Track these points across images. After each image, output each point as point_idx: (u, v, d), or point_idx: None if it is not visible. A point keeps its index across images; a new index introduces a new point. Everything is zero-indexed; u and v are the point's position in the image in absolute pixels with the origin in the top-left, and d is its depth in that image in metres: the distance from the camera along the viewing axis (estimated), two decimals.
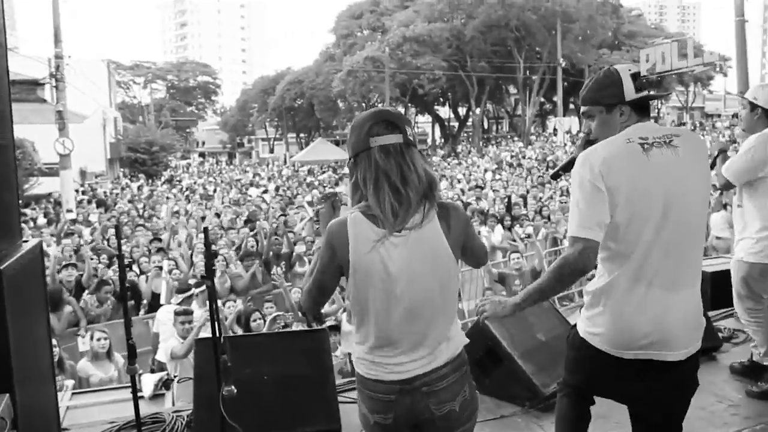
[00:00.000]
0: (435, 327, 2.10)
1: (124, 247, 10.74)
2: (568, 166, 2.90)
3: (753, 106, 3.88)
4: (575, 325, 2.59)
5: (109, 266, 8.56)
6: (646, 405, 2.47)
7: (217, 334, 3.01)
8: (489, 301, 2.47)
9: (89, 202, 18.66)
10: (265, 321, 6.32)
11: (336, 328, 6.28)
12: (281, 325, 6.00)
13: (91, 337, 6.01)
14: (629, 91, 2.39)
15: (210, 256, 3.03)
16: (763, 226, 3.78)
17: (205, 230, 3.10)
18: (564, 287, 2.28)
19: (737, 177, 3.84)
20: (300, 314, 6.66)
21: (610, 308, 2.36)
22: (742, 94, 17.64)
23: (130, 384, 4.60)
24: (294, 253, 8.92)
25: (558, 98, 45.89)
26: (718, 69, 59.49)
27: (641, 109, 2.42)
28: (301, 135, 63.10)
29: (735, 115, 34.03)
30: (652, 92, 2.55)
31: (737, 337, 5.12)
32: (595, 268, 2.44)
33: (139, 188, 25.89)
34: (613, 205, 2.24)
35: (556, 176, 3.34)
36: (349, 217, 2.05)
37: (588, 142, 2.49)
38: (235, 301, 6.91)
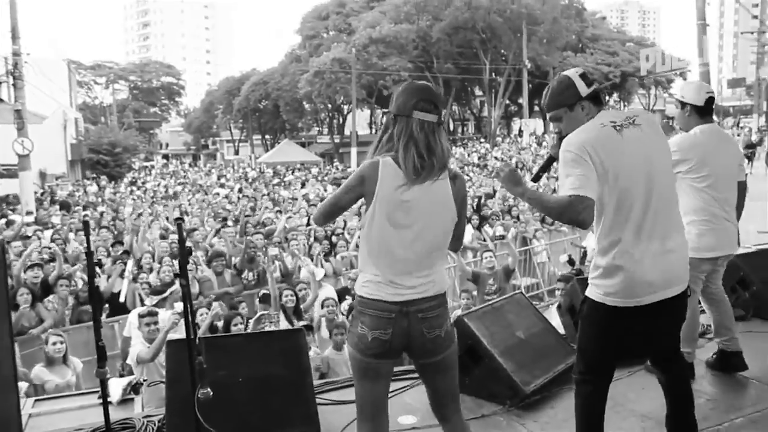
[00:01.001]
0: (429, 260, 2.55)
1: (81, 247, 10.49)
2: (547, 165, 3.34)
3: (683, 104, 3.98)
4: (585, 300, 2.93)
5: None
6: (661, 336, 2.96)
7: (192, 335, 2.89)
8: (510, 169, 2.81)
9: (52, 202, 18.15)
10: (246, 325, 6.13)
11: (310, 328, 6.17)
12: (266, 325, 5.83)
13: (46, 342, 5.74)
14: (582, 89, 2.84)
15: (184, 253, 2.90)
16: (687, 221, 3.82)
17: (179, 225, 2.98)
18: (556, 219, 2.78)
19: None
20: (281, 310, 6.54)
21: (621, 268, 2.73)
22: None
23: (94, 389, 4.46)
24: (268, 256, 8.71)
25: (523, 100, 46.26)
26: (678, 72, 60.83)
27: (596, 101, 2.86)
28: (267, 136, 62.55)
29: None
30: (597, 84, 2.93)
31: (710, 332, 5.15)
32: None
33: (101, 189, 25.32)
34: (603, 182, 2.66)
35: (537, 178, 3.44)
36: (381, 160, 2.49)
37: (561, 140, 2.82)
38: (209, 307, 6.67)
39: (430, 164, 2.47)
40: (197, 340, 2.84)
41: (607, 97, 58.00)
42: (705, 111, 3.92)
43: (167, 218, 12.67)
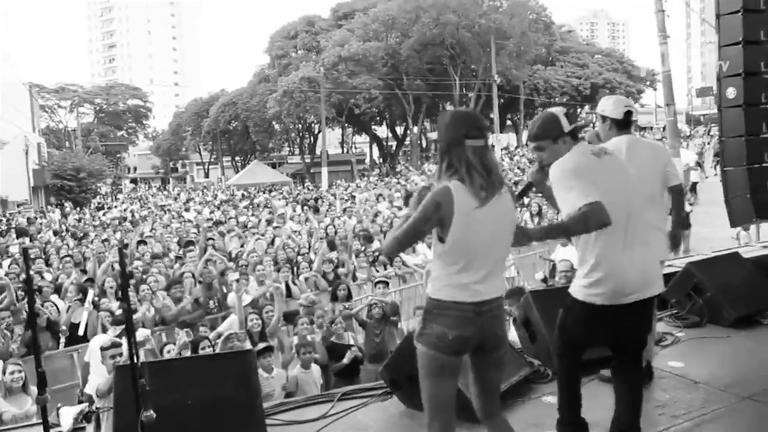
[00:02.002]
0: (500, 265, 2.93)
1: (48, 276, 10.40)
2: (526, 191, 3.84)
3: (603, 118, 4.31)
4: (569, 296, 3.40)
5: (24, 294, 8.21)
6: (631, 336, 3.43)
7: (134, 359, 2.94)
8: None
9: (8, 231, 17.87)
10: (214, 348, 6.15)
11: (270, 349, 6.20)
12: (235, 344, 5.87)
13: (3, 372, 5.70)
14: (566, 125, 3.33)
15: (125, 276, 2.97)
16: None
17: (120, 250, 3.04)
18: (584, 233, 3.18)
19: None
20: (248, 335, 6.59)
21: (608, 271, 3.22)
22: (669, 106, 18.41)
23: (41, 421, 4.45)
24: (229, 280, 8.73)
25: (494, 115, 46.69)
26: (648, 83, 61.98)
27: (575, 137, 3.37)
28: (237, 158, 62.38)
29: (664, 128, 35.52)
30: (578, 123, 3.46)
31: (665, 340, 5.31)
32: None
33: (65, 216, 25.04)
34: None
35: (518, 200, 3.75)
36: (450, 184, 2.79)
37: (542, 168, 3.42)
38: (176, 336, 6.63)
39: (491, 183, 2.82)
40: (139, 363, 2.90)
41: (578, 109, 59.07)
42: (623, 124, 4.23)
43: (127, 245, 12.55)
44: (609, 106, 4.27)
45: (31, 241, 15.52)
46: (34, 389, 5.80)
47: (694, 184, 21.66)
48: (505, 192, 2.90)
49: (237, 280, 8.12)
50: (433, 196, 2.80)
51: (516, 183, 24.13)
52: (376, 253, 10.88)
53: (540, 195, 3.75)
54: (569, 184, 3.13)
